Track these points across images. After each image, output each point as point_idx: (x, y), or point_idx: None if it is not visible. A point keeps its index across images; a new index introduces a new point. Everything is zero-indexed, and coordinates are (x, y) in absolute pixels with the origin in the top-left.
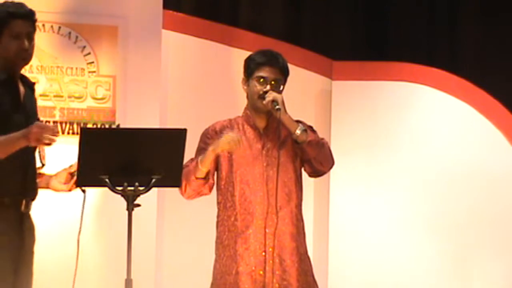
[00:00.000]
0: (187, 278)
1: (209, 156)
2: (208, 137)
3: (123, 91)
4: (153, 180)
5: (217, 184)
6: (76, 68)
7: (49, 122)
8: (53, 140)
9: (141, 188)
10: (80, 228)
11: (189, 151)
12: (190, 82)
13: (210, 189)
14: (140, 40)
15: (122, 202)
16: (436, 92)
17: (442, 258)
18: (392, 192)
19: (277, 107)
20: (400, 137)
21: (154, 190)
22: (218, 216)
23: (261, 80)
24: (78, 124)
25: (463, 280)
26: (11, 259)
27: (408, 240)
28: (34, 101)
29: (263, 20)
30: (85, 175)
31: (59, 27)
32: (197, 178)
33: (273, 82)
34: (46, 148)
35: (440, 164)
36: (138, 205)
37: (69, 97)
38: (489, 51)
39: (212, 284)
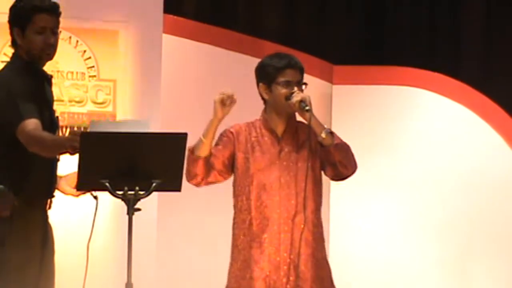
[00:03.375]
0: (187, 282)
1: (211, 125)
2: (224, 136)
3: (124, 95)
4: (154, 185)
5: (233, 187)
6: (77, 73)
7: None
8: None
9: (141, 193)
10: (91, 235)
11: None
12: (191, 86)
13: (220, 177)
14: (141, 44)
15: (122, 207)
16: (436, 96)
17: (443, 260)
18: (392, 195)
19: (306, 108)
20: (400, 141)
21: (155, 194)
22: (234, 219)
23: (286, 83)
24: (78, 128)
25: (464, 283)
26: (38, 258)
27: (408, 243)
28: (52, 94)
29: (263, 24)
30: (86, 179)
31: (60, 31)
32: (193, 154)
33: (298, 84)
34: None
35: (440, 168)
36: (139, 209)
37: (70, 101)
38: (490, 55)
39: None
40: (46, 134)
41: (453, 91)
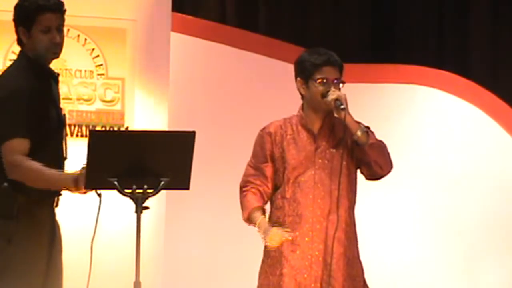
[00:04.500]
0: (196, 280)
1: (264, 225)
2: (264, 141)
3: (132, 93)
4: (162, 183)
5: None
6: (85, 71)
7: None
8: None
9: (149, 191)
10: (94, 233)
11: (198, 154)
12: (199, 84)
13: (272, 189)
14: (149, 42)
15: (130, 205)
16: (444, 94)
17: (448, 260)
18: (400, 194)
19: (341, 106)
20: (406, 139)
21: (163, 192)
22: (269, 217)
23: (323, 81)
24: (87, 126)
25: (470, 281)
26: (45, 256)
27: (412, 242)
28: (58, 92)
29: (271, 22)
30: (94, 177)
31: (68, 30)
32: (248, 221)
33: (335, 82)
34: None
35: (447, 166)
36: (147, 208)
37: (78, 99)
38: (498, 53)
39: (257, 285)
40: (42, 170)
41: (460, 89)
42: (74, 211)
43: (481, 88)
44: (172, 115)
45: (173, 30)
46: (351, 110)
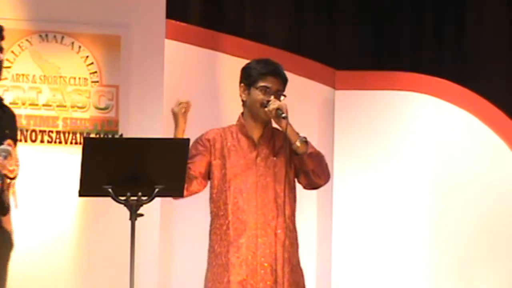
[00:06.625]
0: (190, 287)
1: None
2: (200, 144)
3: (126, 101)
4: (156, 190)
5: (210, 193)
6: (79, 78)
7: (52, 131)
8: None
9: (144, 198)
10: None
11: None
12: (193, 92)
13: (200, 186)
14: (143, 49)
15: (125, 212)
16: (439, 101)
17: (444, 265)
18: (395, 200)
19: (283, 115)
20: (403, 146)
21: (157, 199)
22: (210, 225)
23: (265, 90)
24: (81, 134)
25: (464, 285)
26: None
27: (410, 248)
28: (5, 120)
29: (266, 30)
30: (88, 184)
31: (62, 37)
32: None
33: (276, 93)
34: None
35: (442, 173)
36: (141, 215)
37: (72, 107)
38: (491, 60)
39: None
40: None
41: (455, 96)
42: (50, 219)
43: (475, 95)
44: (166, 122)
45: (168, 37)
46: (345, 116)
